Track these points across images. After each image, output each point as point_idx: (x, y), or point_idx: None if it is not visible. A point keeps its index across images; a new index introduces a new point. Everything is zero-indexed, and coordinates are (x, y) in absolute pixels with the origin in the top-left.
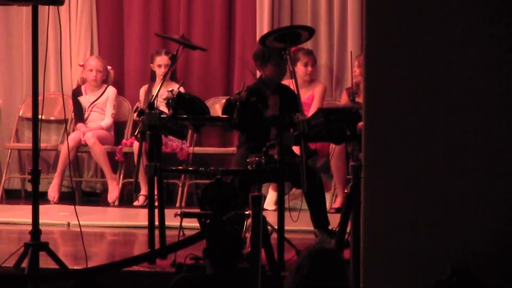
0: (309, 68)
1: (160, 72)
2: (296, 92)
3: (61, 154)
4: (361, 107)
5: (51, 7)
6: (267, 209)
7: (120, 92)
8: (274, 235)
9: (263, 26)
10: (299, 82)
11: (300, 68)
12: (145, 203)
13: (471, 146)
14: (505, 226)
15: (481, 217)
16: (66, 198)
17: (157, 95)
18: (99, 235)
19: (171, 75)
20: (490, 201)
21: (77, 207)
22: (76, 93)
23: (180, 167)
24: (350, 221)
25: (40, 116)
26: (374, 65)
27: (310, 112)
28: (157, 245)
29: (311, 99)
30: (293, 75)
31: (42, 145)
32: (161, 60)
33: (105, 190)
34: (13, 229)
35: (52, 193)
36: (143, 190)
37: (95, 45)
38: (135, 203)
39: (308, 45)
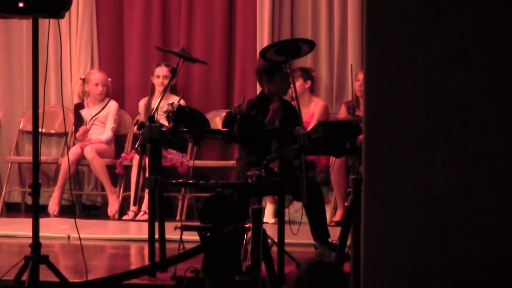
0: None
1: (158, 82)
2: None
3: (62, 168)
4: (361, 120)
5: (51, 20)
6: (267, 222)
7: (121, 105)
8: (274, 248)
9: (263, 40)
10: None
11: None
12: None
13: (472, 159)
14: (508, 241)
15: (483, 232)
16: (66, 211)
17: (157, 108)
18: (99, 248)
19: (171, 88)
20: (494, 215)
21: (77, 220)
22: (79, 107)
23: (181, 180)
24: (350, 234)
25: (40, 129)
26: (374, 79)
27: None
28: (157, 258)
29: (312, 117)
30: (294, 89)
31: (43, 158)
32: (160, 71)
33: (105, 203)
34: (14, 242)
35: (53, 206)
36: (138, 205)
37: (95, 58)
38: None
39: (308, 58)
